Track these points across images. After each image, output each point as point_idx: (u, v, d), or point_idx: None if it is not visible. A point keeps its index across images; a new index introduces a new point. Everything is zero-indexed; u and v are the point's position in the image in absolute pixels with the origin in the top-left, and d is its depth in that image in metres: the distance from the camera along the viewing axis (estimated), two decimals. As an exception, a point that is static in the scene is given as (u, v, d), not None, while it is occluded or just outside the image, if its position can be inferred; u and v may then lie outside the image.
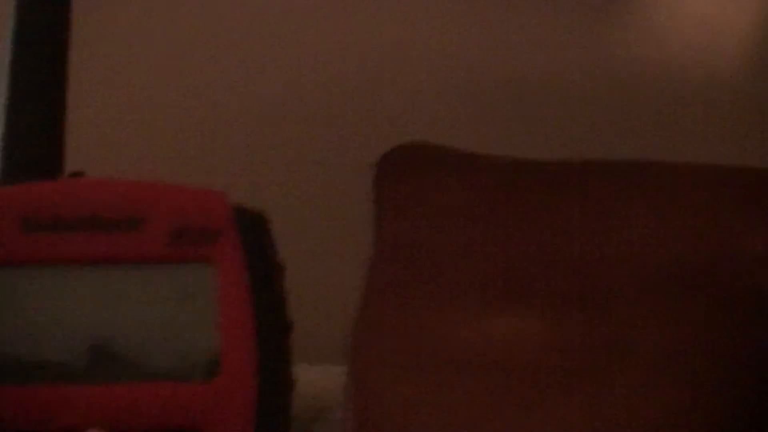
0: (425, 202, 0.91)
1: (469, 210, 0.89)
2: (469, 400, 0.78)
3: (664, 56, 1.24)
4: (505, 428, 0.76)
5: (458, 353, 0.80)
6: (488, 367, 0.80)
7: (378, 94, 1.21)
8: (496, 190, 0.91)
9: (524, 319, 0.83)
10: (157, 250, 0.31)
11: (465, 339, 0.81)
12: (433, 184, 0.93)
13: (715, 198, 0.90)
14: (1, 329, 0.30)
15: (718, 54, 1.26)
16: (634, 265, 0.87)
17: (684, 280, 0.86)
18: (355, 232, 0.97)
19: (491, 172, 0.93)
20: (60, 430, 0.29)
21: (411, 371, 0.79)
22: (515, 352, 0.80)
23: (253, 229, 0.32)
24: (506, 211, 0.89)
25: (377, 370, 0.78)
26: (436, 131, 1.16)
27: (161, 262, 0.31)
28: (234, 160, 1.26)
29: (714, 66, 1.25)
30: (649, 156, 1.10)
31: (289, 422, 0.31)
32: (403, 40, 1.22)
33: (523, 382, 0.79)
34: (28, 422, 0.29)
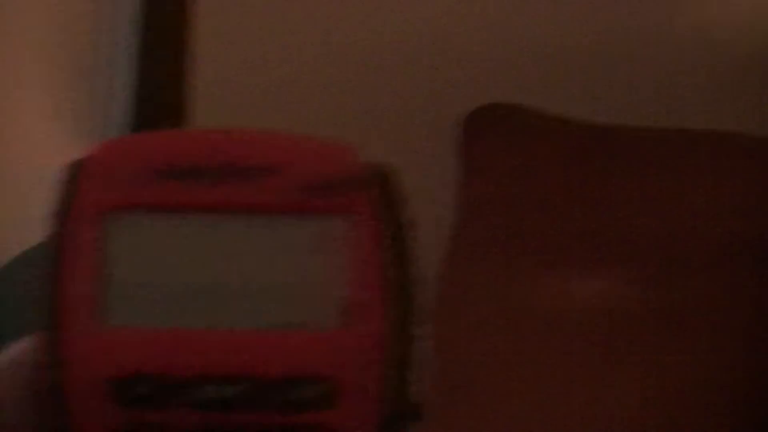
0: (512, 161, 0.91)
1: (556, 171, 0.89)
2: (551, 363, 0.78)
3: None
4: (587, 391, 0.76)
5: (541, 315, 0.80)
6: (570, 329, 0.79)
7: (464, 56, 1.21)
8: (583, 153, 0.91)
9: (606, 285, 0.82)
10: (291, 201, 0.31)
11: (547, 301, 0.81)
12: (520, 143, 0.92)
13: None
14: (134, 274, 0.31)
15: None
16: (713, 234, 0.86)
17: (759, 251, 0.85)
18: (439, 189, 0.97)
19: (577, 136, 0.93)
20: (191, 374, 0.30)
21: (493, 330, 0.79)
22: (597, 316, 0.80)
23: (382, 184, 0.32)
24: (593, 175, 0.89)
25: (461, 328, 0.79)
26: (518, 92, 1.15)
27: (294, 213, 0.31)
28: (335, 115, 1.28)
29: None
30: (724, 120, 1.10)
31: (412, 375, 0.31)
32: (494, 5, 1.21)
33: (604, 346, 0.79)
34: (159, 365, 0.30)
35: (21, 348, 0.31)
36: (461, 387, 0.76)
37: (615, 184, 0.89)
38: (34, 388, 0.30)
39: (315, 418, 0.30)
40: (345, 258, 0.31)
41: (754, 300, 0.83)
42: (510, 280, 0.81)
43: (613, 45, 1.18)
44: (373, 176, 0.32)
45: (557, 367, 0.79)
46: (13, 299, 1.39)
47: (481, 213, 0.85)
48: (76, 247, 0.30)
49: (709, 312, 0.82)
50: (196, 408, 0.30)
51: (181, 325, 0.30)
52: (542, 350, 0.79)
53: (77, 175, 0.31)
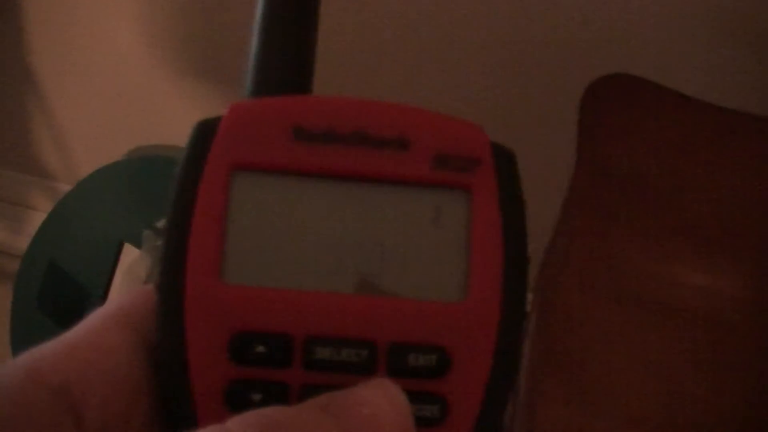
0: (636, 133, 0.89)
1: (684, 148, 0.87)
2: (657, 343, 0.77)
3: None
4: (694, 380, 0.75)
5: (649, 295, 0.79)
6: (679, 315, 0.78)
7: (587, 26, 1.19)
8: (717, 133, 0.88)
9: (724, 273, 0.81)
10: (420, 173, 0.32)
11: (658, 282, 0.80)
12: (646, 116, 0.90)
13: None
14: (259, 234, 0.32)
15: None
16: None
17: None
18: (557, 155, 0.96)
19: (708, 114, 0.90)
20: (306, 334, 0.31)
21: (605, 305, 0.78)
22: (709, 306, 0.79)
23: (505, 164, 0.32)
24: (724, 156, 0.87)
25: (570, 297, 0.78)
26: (641, 63, 1.13)
27: (420, 185, 0.32)
28: (451, 81, 1.28)
29: None
30: None
31: (521, 349, 0.31)
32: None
33: (715, 336, 0.78)
34: (275, 324, 0.31)
35: (134, 296, 0.32)
36: (565, 358, 0.75)
37: (755, 169, 0.87)
38: (148, 338, 0.31)
39: (425, 385, 0.31)
40: (466, 232, 0.31)
41: None
42: (623, 257, 0.80)
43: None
44: (498, 156, 0.32)
45: (672, 353, 0.78)
46: (86, 213, 1.42)
47: (598, 182, 0.84)
48: (204, 203, 0.31)
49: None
50: (308, 368, 0.31)
51: (299, 287, 0.31)
52: (654, 333, 0.79)
53: (212, 132, 0.32)
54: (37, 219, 1.52)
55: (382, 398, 0.29)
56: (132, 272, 1.38)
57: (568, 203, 0.84)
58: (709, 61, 1.16)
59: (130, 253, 1.39)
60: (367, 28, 1.28)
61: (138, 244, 1.38)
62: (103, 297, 1.39)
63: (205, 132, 0.32)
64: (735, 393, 0.75)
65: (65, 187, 1.54)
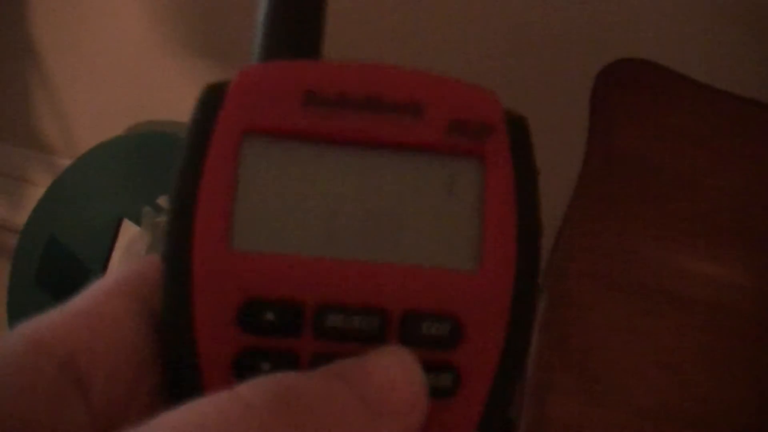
0: (649, 121, 0.87)
1: (699, 137, 0.86)
2: (665, 332, 0.76)
3: None
4: (701, 370, 0.75)
5: (658, 284, 0.78)
6: (687, 304, 0.78)
7: (600, 8, 1.18)
8: (730, 122, 0.87)
9: (732, 262, 0.80)
10: (434, 140, 0.31)
11: (667, 271, 0.79)
12: (658, 102, 0.89)
13: None
14: (268, 199, 0.31)
15: None
16: None
17: None
18: (569, 142, 0.95)
19: (722, 103, 0.89)
20: (316, 302, 0.30)
21: (614, 295, 0.78)
22: (717, 295, 0.78)
23: (518, 132, 0.32)
24: (740, 147, 0.85)
25: (578, 286, 0.77)
26: (654, 48, 1.12)
27: (435, 152, 0.31)
28: (470, 66, 1.27)
29: None
30: None
31: (534, 321, 0.31)
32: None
33: (723, 326, 0.77)
34: (285, 291, 0.31)
35: (138, 266, 0.31)
36: (573, 347, 0.75)
37: (746, 165, 0.86)
38: (154, 308, 0.30)
39: (437, 355, 0.30)
40: (479, 201, 0.31)
41: None
42: (633, 248, 0.80)
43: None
44: (511, 123, 0.31)
45: (670, 346, 0.78)
46: (86, 189, 1.41)
47: (609, 170, 0.83)
48: (213, 168, 0.30)
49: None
50: (319, 337, 0.30)
51: (309, 254, 0.30)
52: (665, 322, 0.78)
53: (220, 96, 0.31)
54: (36, 194, 1.51)
55: (396, 365, 0.29)
56: (131, 249, 1.38)
57: (579, 190, 0.83)
58: (718, 47, 1.15)
59: (129, 230, 1.39)
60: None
61: (137, 221, 1.37)
62: (102, 273, 1.38)
63: (214, 96, 0.31)
64: (743, 383, 0.75)
65: (65, 162, 1.53)
